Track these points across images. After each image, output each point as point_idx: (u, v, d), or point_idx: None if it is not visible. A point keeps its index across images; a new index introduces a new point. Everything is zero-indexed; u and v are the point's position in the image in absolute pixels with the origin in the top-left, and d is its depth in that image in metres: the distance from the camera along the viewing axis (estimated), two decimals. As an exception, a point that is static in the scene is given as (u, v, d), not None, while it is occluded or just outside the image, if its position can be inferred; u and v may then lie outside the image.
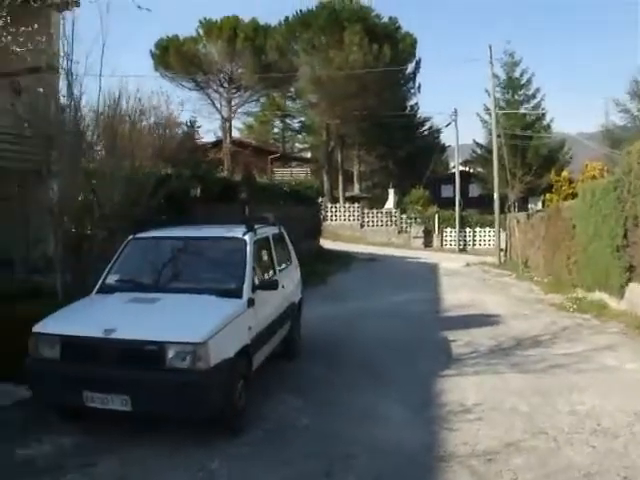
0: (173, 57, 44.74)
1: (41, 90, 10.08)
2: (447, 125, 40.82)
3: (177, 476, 5.50)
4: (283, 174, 42.22)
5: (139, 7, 9.52)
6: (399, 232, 41.19)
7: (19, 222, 11.79)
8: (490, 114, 36.23)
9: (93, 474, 5.53)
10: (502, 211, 31.35)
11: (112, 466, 5.68)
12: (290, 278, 9.31)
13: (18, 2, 8.49)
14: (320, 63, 41.94)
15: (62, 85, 10.49)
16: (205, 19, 46.24)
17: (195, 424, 6.39)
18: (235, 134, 50.22)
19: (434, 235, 39.84)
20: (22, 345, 6.67)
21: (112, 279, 7.60)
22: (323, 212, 35.80)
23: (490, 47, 31.54)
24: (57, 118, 10.25)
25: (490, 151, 35.33)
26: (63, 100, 10.48)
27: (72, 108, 10.16)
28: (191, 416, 6.14)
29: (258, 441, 6.26)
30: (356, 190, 53.36)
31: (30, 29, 8.86)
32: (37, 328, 6.42)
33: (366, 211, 42.50)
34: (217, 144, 40.12)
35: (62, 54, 10.36)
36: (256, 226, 8.17)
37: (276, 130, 60.66)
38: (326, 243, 29.67)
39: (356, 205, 43.21)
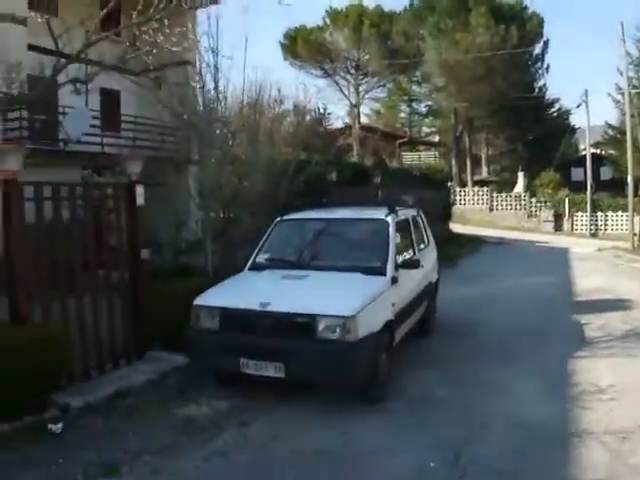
0: (301, 46, 45.53)
1: (194, 84, 10.81)
2: (577, 106, 38.94)
3: (325, 437, 5.91)
4: (411, 158, 42.20)
5: (279, 3, 10.04)
6: (528, 216, 40.21)
7: (168, 207, 12.64)
8: (623, 94, 34.63)
9: (247, 434, 6.06)
10: (636, 194, 30.02)
11: (264, 427, 6.21)
12: (427, 259, 9.52)
13: (172, 5, 9.15)
14: (446, 46, 41.43)
15: (208, 78, 11.20)
16: (331, 8, 46.81)
17: (341, 392, 6.85)
18: (363, 119, 50.49)
19: (564, 219, 38.58)
20: (177, 318, 7.39)
21: (262, 257, 8.19)
22: (452, 196, 35.56)
23: (622, 24, 30.13)
24: (204, 109, 10.96)
25: (623, 132, 33.75)
26: (209, 92, 11.19)
27: (217, 99, 10.86)
28: (338, 384, 6.60)
29: (399, 410, 6.61)
30: (484, 174, 52.46)
31: (184, 29, 9.53)
32: (198, 301, 7.06)
33: (495, 195, 41.77)
34: (346, 130, 40.59)
35: (207, 49, 11.07)
36: (397, 208, 8.50)
37: (403, 115, 60.32)
38: (455, 227, 29.55)
39: (485, 189, 42.54)
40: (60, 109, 17.35)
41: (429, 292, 9.42)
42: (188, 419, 6.47)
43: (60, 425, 6.20)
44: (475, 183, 46.53)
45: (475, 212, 40.38)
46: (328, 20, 46.70)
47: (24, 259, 6.94)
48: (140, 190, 8.28)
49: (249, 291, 7.28)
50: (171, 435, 6.05)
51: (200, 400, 6.96)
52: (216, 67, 10.85)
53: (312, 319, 6.28)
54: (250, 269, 8.10)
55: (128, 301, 8.26)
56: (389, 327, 6.94)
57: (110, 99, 20.47)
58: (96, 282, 7.88)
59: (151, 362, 8.15)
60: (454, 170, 45.75)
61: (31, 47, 15.37)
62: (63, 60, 8.25)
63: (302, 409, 6.62)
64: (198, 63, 11.41)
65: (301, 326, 6.33)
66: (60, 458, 5.57)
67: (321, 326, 6.25)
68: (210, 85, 11.00)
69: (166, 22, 9.55)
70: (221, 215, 10.54)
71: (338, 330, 6.19)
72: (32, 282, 7.02)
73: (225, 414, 6.59)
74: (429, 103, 56.10)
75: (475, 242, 26.59)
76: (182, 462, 5.49)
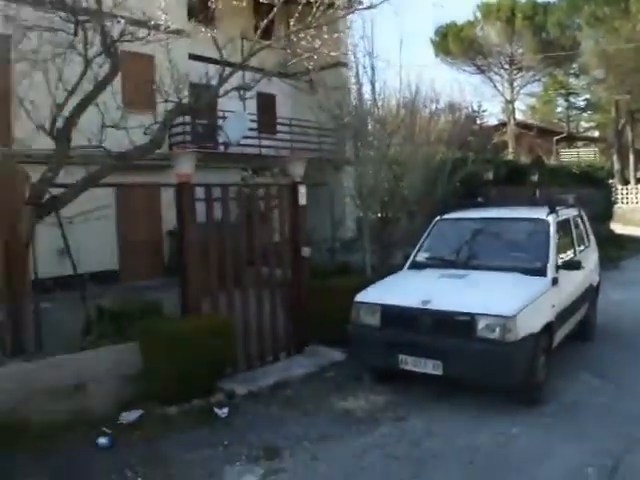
0: (452, 43, 45.01)
1: (350, 87, 11.11)
2: None
3: (479, 436, 5.93)
4: (569, 155, 40.59)
5: (434, 5, 10.08)
6: (699, 216, 37.52)
7: (325, 207, 13.03)
8: None
9: (403, 428, 6.21)
10: None
11: (420, 422, 6.31)
12: (588, 260, 9.21)
13: (329, 11, 9.43)
14: (605, 36, 39.47)
15: (364, 80, 11.46)
16: (482, 2, 45.86)
17: (497, 392, 6.81)
18: (518, 116, 49.06)
19: None
20: (336, 314, 7.67)
21: (422, 256, 8.31)
22: (614, 195, 33.80)
23: None
24: (361, 111, 11.22)
25: None
26: (366, 94, 11.46)
27: (374, 101, 11.08)
28: (495, 384, 6.58)
29: (556, 414, 6.48)
30: (649, 170, 49.45)
31: (341, 34, 9.81)
32: (359, 298, 7.30)
33: (661, 193, 39.34)
34: (500, 126, 39.73)
35: (363, 51, 11.35)
36: (557, 208, 8.34)
37: (559, 109, 58.07)
38: (615, 227, 28.12)
39: (650, 187, 40.17)
40: (219, 114, 18.27)
41: (590, 295, 9.13)
42: (346, 411, 6.73)
43: (226, 410, 6.70)
44: (638, 181, 44.03)
45: (638, 212, 38.17)
46: (479, 15, 45.85)
47: (195, 256, 7.47)
48: (303, 190, 8.66)
49: (410, 289, 7.40)
50: (329, 425, 6.34)
51: (357, 394, 7.20)
52: (372, 69, 11.09)
53: (472, 318, 6.33)
54: (409, 268, 8.26)
55: (290, 297, 8.67)
56: (548, 329, 6.84)
57: (266, 102, 21.32)
58: (260, 278, 8.33)
59: (310, 356, 8.52)
60: (615, 167, 43.45)
61: (191, 57, 16.34)
62: (228, 69, 8.75)
63: (457, 407, 6.67)
64: (354, 66, 11.68)
65: (461, 324, 6.40)
66: (226, 440, 6.02)
67: (481, 325, 6.28)
68: (367, 87, 11.26)
69: (324, 28, 9.87)
70: (379, 215, 10.75)
71: (498, 330, 6.21)
72: (202, 277, 7.54)
73: (382, 408, 6.77)
74: (587, 96, 53.58)
75: (638, 243, 25.21)
76: (340, 451, 5.73)
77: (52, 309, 8.56)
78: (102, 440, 5.95)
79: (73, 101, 7.67)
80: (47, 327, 7.32)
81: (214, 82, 8.74)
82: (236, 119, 17.17)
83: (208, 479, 5.27)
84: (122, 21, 8.33)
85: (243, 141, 17.82)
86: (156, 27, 9.28)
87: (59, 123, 7.57)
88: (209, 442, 5.98)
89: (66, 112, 7.62)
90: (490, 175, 15.55)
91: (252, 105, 18.86)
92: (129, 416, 6.50)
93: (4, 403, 5.92)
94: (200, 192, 7.69)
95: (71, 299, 8.09)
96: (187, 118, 17.29)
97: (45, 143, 7.83)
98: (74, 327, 7.54)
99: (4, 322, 6.83)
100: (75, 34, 7.86)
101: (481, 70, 46.39)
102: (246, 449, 5.78)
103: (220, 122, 18.28)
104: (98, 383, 6.61)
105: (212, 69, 9.39)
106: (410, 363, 6.65)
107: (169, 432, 6.21)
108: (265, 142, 19.89)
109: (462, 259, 7.93)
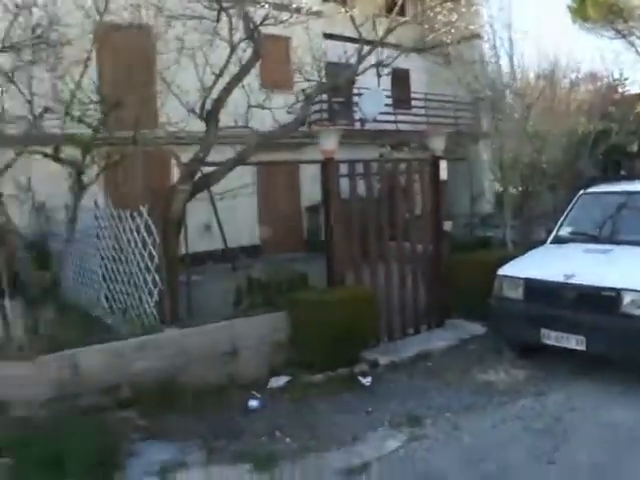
0: (591, 7, 42.76)
1: (488, 60, 11.00)
2: None
3: (622, 413, 5.78)
4: None
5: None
6: None
7: (463, 181, 12.98)
8: None
9: (544, 402, 6.19)
10: None
11: (561, 397, 6.27)
12: None
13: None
14: None
15: (502, 52, 11.29)
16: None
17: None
18: (666, 82, 46.03)
19: None
20: (477, 288, 7.77)
21: (565, 231, 8.19)
22: None
23: None
24: (500, 84, 11.07)
25: None
26: (504, 66, 11.29)
27: (512, 73, 10.91)
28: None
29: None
30: None
31: (479, 7, 9.76)
32: (502, 271, 7.34)
33: None
34: (644, 95, 37.43)
35: (502, 24, 11.19)
36: None
37: None
38: None
39: None
40: (354, 90, 18.38)
41: None
42: (487, 383, 6.81)
43: (369, 379, 6.95)
44: None
45: None
46: (620, -24, 43.22)
47: (340, 230, 7.74)
48: (444, 165, 8.70)
49: (553, 263, 7.34)
50: (471, 396, 6.44)
51: (498, 367, 7.26)
52: (510, 41, 10.91)
53: (617, 293, 6.22)
54: (552, 242, 8.17)
55: (431, 270, 8.78)
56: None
57: (400, 78, 21.20)
58: (402, 252, 8.49)
59: (450, 329, 8.64)
60: None
61: (325, 36, 16.55)
62: (365, 47, 8.89)
63: (599, 383, 6.56)
64: (492, 38, 11.51)
65: (605, 300, 6.30)
66: (369, 407, 6.26)
67: (626, 300, 6.17)
68: (504, 59, 11.10)
69: (461, 2, 9.85)
70: (519, 189, 10.60)
71: None
72: (346, 250, 7.80)
73: (522, 382, 6.79)
74: None
75: None
76: (481, 422, 5.82)
77: (202, 281, 9.08)
78: (253, 403, 6.35)
79: (219, 85, 8.04)
80: (197, 297, 7.82)
81: (350, 60, 8.91)
82: (372, 95, 17.23)
83: (352, 442, 5.49)
84: (266, 6, 8.66)
85: (379, 117, 17.86)
86: (298, 10, 9.58)
87: (207, 105, 7.96)
88: (353, 408, 6.26)
89: (213, 95, 8.01)
90: (634, 147, 14.82)
91: (386, 81, 18.85)
92: (278, 381, 6.88)
93: (165, 368, 6.39)
94: (343, 168, 7.91)
95: (217, 271, 8.54)
96: (324, 96, 17.56)
97: (195, 125, 8.27)
98: (222, 297, 8.03)
99: (163, 291, 7.37)
100: (217, 20, 8.24)
101: (622, 35, 43.78)
102: (389, 416, 5.99)
103: (356, 99, 18.41)
104: (249, 349, 7.00)
105: (345, 47, 9.54)
106: (553, 338, 6.64)
107: (315, 397, 6.53)
108: (401, 117, 19.85)
109: (607, 234, 7.71)
